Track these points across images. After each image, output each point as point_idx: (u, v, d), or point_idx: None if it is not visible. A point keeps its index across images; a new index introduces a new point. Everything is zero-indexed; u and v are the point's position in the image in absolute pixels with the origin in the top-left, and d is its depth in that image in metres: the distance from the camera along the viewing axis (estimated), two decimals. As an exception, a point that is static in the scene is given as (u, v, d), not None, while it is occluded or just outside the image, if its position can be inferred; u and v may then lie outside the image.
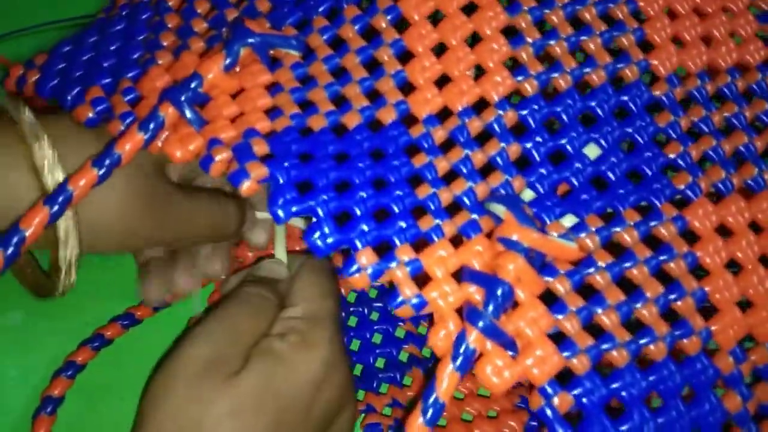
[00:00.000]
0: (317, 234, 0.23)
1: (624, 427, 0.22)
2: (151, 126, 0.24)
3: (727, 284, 0.23)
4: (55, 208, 0.23)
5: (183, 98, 0.25)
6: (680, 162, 0.25)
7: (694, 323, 0.23)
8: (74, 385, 0.31)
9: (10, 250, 0.23)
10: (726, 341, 0.23)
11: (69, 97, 0.26)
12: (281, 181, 0.23)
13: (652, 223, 0.24)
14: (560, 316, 0.22)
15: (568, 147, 0.25)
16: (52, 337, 0.32)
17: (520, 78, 0.25)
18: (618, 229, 0.24)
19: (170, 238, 0.28)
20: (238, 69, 0.26)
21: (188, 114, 0.25)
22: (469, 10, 0.26)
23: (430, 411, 0.21)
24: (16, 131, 0.25)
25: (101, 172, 0.24)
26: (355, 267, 0.23)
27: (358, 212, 0.23)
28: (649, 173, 0.25)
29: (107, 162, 0.24)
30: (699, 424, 0.22)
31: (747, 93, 0.26)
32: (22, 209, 0.24)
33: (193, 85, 0.25)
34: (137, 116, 0.25)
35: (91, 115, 0.26)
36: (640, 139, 0.25)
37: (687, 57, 0.26)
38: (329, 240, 0.23)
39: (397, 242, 0.23)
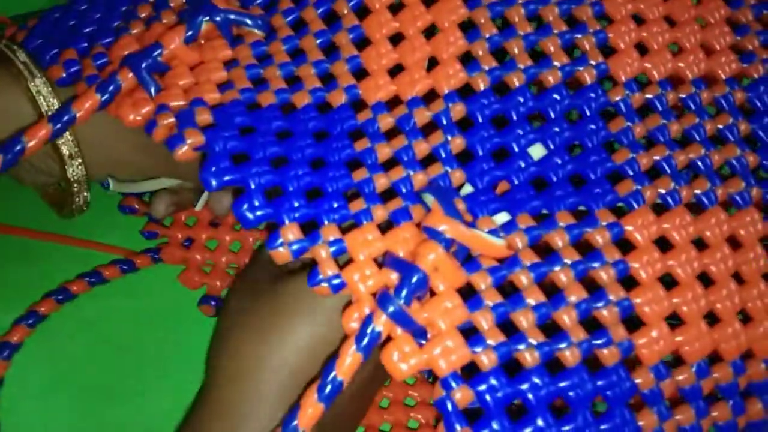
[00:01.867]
0: (246, 206, 0.23)
1: (527, 430, 0.21)
2: (110, 89, 0.25)
3: (656, 298, 0.22)
4: (58, 126, 0.25)
5: (143, 65, 0.26)
6: (627, 169, 0.24)
7: (615, 333, 0.22)
8: (74, 385, 0.31)
9: (9, 156, 0.24)
10: (648, 356, 0.22)
11: (47, 57, 0.28)
12: (217, 149, 0.24)
13: (585, 228, 0.23)
14: (475, 311, 0.22)
15: (513, 145, 0.24)
16: (52, 337, 0.33)
17: (473, 72, 0.25)
18: (548, 231, 0.23)
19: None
20: (202, 42, 0.27)
21: (145, 79, 0.25)
22: (430, 1, 0.26)
23: (328, 387, 0.21)
24: (11, 70, 0.27)
25: (56, 128, 0.25)
26: (279, 241, 0.23)
27: (290, 188, 0.24)
28: (592, 177, 0.24)
29: (64, 119, 0.25)
30: (608, 438, 0.21)
31: (710, 105, 0.25)
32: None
33: (154, 54, 0.26)
34: (102, 80, 0.26)
35: (63, 75, 0.27)
36: (588, 142, 0.24)
37: (650, 64, 0.25)
38: (258, 213, 0.23)
39: (325, 221, 0.23)
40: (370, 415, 0.33)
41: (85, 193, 0.28)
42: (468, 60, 0.25)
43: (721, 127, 0.25)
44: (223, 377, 0.25)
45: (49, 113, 0.26)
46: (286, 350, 0.24)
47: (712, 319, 0.23)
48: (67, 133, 0.27)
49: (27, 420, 0.30)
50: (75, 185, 0.28)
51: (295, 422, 0.21)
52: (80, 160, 0.27)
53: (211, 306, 0.34)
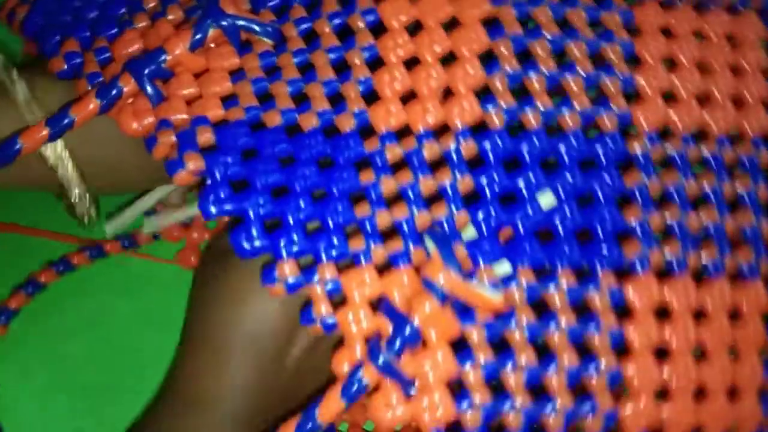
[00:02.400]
0: (244, 236, 0.23)
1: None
2: (110, 95, 0.24)
3: (647, 368, 0.22)
4: (56, 129, 0.24)
5: (146, 72, 0.25)
6: (637, 229, 0.23)
7: (601, 402, 0.22)
8: (74, 385, 0.31)
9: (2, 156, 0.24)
10: (632, 428, 0.22)
11: (47, 46, 0.26)
12: (217, 177, 0.23)
13: (586, 290, 0.23)
14: (465, 366, 0.22)
15: (523, 190, 0.24)
16: (52, 337, 0.33)
17: (488, 108, 0.24)
18: (548, 288, 0.23)
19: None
20: (212, 45, 0.25)
21: (148, 89, 0.24)
22: (451, 26, 0.24)
23: (308, 425, 0.21)
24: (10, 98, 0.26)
25: (54, 131, 0.24)
26: (274, 276, 0.23)
27: (291, 221, 0.23)
28: (600, 235, 0.23)
29: (62, 123, 0.25)
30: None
31: (733, 165, 0.24)
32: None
33: (157, 60, 0.25)
34: (104, 79, 0.25)
35: (64, 67, 0.26)
36: (600, 195, 0.24)
37: (676, 115, 0.24)
38: (256, 244, 0.23)
39: (323, 258, 0.23)
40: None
41: (92, 212, 0.28)
42: (484, 93, 0.24)
43: (740, 190, 0.24)
44: (193, 342, 0.26)
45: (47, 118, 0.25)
46: (249, 319, 0.25)
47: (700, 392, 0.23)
48: (65, 154, 0.26)
49: (27, 420, 0.31)
50: (79, 209, 0.27)
51: None
52: (83, 189, 0.27)
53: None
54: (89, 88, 0.25)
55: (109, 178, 0.27)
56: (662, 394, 0.22)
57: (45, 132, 0.25)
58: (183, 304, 0.33)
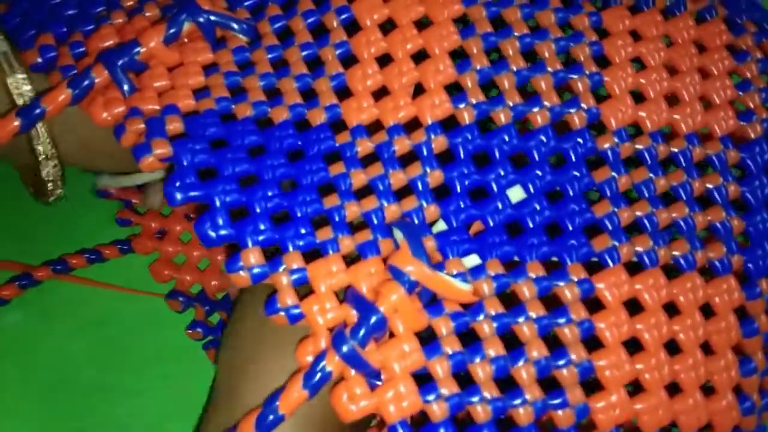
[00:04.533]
0: (208, 224, 0.22)
1: (471, 487, 0.21)
2: (82, 85, 0.24)
3: (619, 362, 0.22)
4: (26, 121, 0.24)
5: (119, 63, 0.25)
6: (606, 223, 0.23)
7: (572, 396, 0.21)
8: (74, 385, 0.31)
9: None
10: (604, 422, 0.21)
11: (22, 40, 0.27)
12: (184, 163, 0.23)
13: (555, 282, 0.22)
14: (432, 358, 0.21)
15: (493, 185, 0.24)
16: (52, 337, 0.33)
17: (459, 105, 0.24)
18: (517, 280, 0.22)
19: None
20: (185, 40, 0.26)
21: (119, 79, 0.24)
22: (423, 25, 0.25)
23: (269, 418, 0.21)
24: None
25: (24, 122, 0.24)
26: (239, 264, 0.22)
27: (257, 210, 0.23)
28: (570, 228, 0.23)
29: (34, 113, 0.24)
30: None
31: (702, 164, 0.24)
32: None
33: (131, 52, 0.25)
34: (78, 72, 0.25)
35: (38, 60, 0.26)
36: (570, 190, 0.24)
37: (644, 113, 0.24)
38: (221, 232, 0.22)
39: (290, 248, 0.22)
40: None
41: (59, 191, 0.27)
42: (455, 90, 0.24)
43: (709, 186, 0.24)
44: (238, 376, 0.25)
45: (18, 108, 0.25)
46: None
47: (673, 388, 0.22)
48: (44, 130, 0.26)
49: (27, 420, 0.30)
50: (50, 184, 0.27)
51: None
52: (56, 162, 0.26)
53: (179, 302, 0.33)
54: (62, 80, 0.25)
55: (80, 158, 0.27)
56: (635, 388, 0.22)
57: (16, 123, 0.24)
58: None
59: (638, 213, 0.23)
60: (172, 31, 0.25)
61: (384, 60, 0.25)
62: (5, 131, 0.24)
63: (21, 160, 0.27)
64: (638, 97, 0.24)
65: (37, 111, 0.24)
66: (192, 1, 0.25)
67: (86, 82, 0.24)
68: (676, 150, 0.24)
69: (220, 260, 0.35)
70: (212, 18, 0.25)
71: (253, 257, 0.22)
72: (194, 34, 0.26)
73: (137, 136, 0.24)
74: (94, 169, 0.30)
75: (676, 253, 0.23)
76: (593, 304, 0.22)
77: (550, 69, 0.24)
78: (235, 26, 0.25)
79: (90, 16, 0.27)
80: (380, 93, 0.25)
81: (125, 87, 0.24)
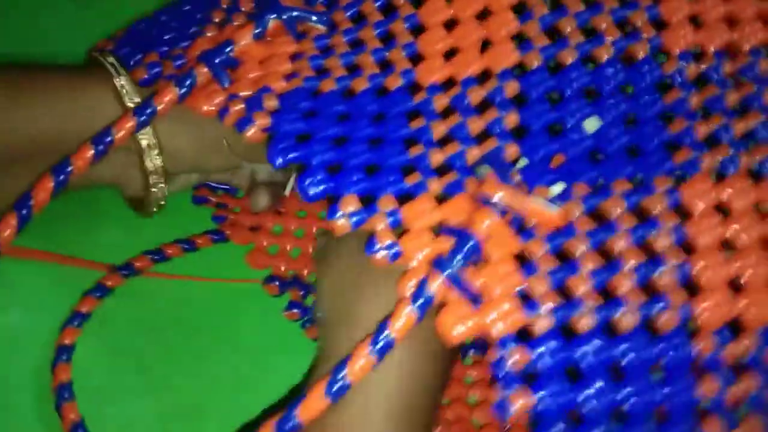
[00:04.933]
0: (308, 180, 0.24)
1: (585, 393, 0.21)
2: (186, 83, 0.28)
3: (717, 263, 0.22)
4: (142, 118, 0.27)
5: (216, 61, 0.28)
6: (684, 138, 0.24)
7: (674, 299, 0.22)
8: (75, 385, 0.31)
9: (100, 147, 0.27)
10: (709, 323, 0.21)
11: (132, 61, 0.30)
12: (282, 130, 0.25)
13: (642, 195, 0.23)
14: (530, 276, 0.22)
15: (568, 119, 0.25)
16: (53, 337, 0.32)
17: (526, 51, 0.26)
18: (605, 199, 0.23)
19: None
20: (269, 39, 0.29)
21: (218, 74, 0.28)
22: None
23: (381, 343, 0.22)
24: (101, 71, 0.29)
25: (140, 120, 0.28)
26: (339, 213, 0.24)
27: (350, 164, 0.25)
28: (649, 148, 0.24)
29: (147, 111, 0.28)
30: (668, 404, 0.21)
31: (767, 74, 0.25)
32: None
33: (226, 50, 0.28)
34: (179, 74, 0.29)
35: (145, 75, 0.30)
36: (643, 114, 0.25)
37: (704, 36, 0.25)
38: (320, 187, 0.24)
39: (383, 194, 0.24)
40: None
41: (162, 185, 0.30)
42: (521, 41, 0.26)
43: (781, 94, 0.24)
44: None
45: (132, 107, 0.28)
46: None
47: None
48: (148, 126, 0.29)
49: (28, 420, 0.31)
50: (153, 176, 0.30)
51: (345, 371, 0.22)
52: (158, 151, 0.29)
53: (276, 286, 0.35)
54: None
55: (185, 160, 0.30)
56: (737, 289, 0.22)
57: (132, 122, 0.28)
58: (184, 307, 0.34)
59: (714, 125, 0.24)
60: (259, 29, 0.28)
61: (449, 26, 0.27)
62: (125, 129, 0.27)
63: (126, 161, 0.30)
64: (697, 22, 0.25)
65: (150, 109, 0.28)
66: (275, 1, 0.28)
67: (189, 80, 0.28)
68: (741, 65, 0.25)
69: (311, 250, 0.37)
70: (294, 14, 0.28)
71: (350, 205, 0.24)
72: (279, 31, 0.29)
73: (239, 114, 0.26)
74: (201, 170, 0.33)
75: (757, 157, 0.23)
76: (681, 210, 0.23)
77: (607, 8, 0.26)
78: (314, 18, 0.28)
79: (186, 34, 0.31)
80: (449, 56, 0.27)
81: (224, 80, 0.27)
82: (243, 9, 0.31)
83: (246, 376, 0.33)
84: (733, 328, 0.22)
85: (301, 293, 0.35)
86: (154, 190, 0.31)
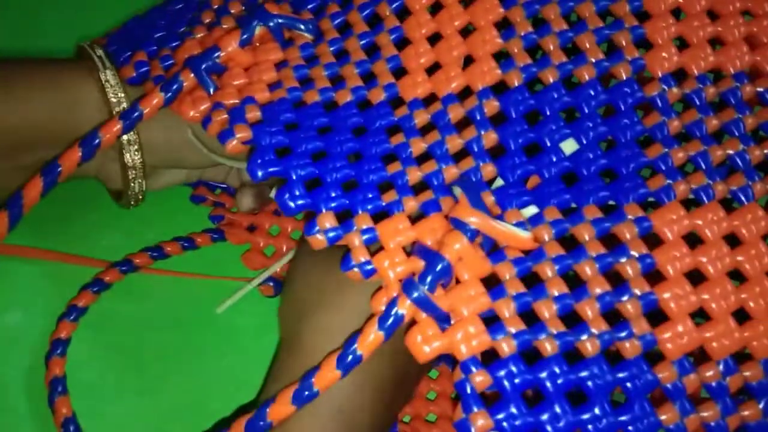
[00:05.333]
0: (287, 195, 0.25)
1: (542, 417, 0.22)
2: (173, 88, 0.28)
3: (683, 293, 0.22)
4: (128, 122, 0.28)
5: (203, 67, 0.28)
6: (660, 164, 0.24)
7: (637, 327, 0.22)
8: (75, 384, 0.31)
9: (86, 149, 0.28)
10: (672, 351, 0.22)
11: (120, 59, 0.31)
12: (263, 143, 0.26)
13: (613, 222, 0.23)
14: (497, 300, 0.23)
15: (546, 140, 0.25)
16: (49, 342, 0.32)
17: (507, 69, 0.26)
18: (575, 224, 0.23)
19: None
20: (257, 45, 0.29)
21: (204, 80, 0.28)
22: (468, 2, 0.27)
23: (348, 358, 0.22)
24: (88, 64, 0.30)
25: (126, 124, 0.28)
26: (316, 228, 0.24)
27: (328, 180, 0.25)
28: (624, 172, 0.24)
29: (133, 116, 0.28)
30: (625, 429, 0.21)
31: (752, 100, 0.25)
32: (86, 120, 0.28)
33: (212, 57, 0.28)
34: (166, 79, 0.29)
35: (133, 74, 0.30)
36: (621, 137, 0.25)
37: (689, 58, 0.25)
38: (298, 202, 0.25)
39: (359, 211, 0.25)
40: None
41: (140, 180, 0.31)
42: (503, 58, 0.26)
43: (762, 122, 0.24)
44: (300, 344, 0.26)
45: (115, 102, 0.29)
46: (346, 321, 0.25)
47: (740, 316, 0.22)
48: (134, 149, 0.30)
49: (28, 420, 0.31)
50: (131, 171, 0.31)
51: (312, 380, 0.23)
52: (137, 147, 0.30)
53: (271, 287, 0.35)
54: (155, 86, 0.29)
55: (166, 159, 0.31)
56: (702, 318, 0.22)
57: (119, 125, 0.28)
58: (183, 306, 0.34)
59: (691, 152, 0.24)
60: (245, 35, 0.28)
61: (434, 40, 0.27)
62: (112, 132, 0.28)
63: (110, 171, 0.31)
64: (682, 43, 0.25)
65: (136, 113, 0.28)
66: (262, 7, 0.28)
67: (176, 86, 0.28)
68: (725, 89, 0.25)
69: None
70: (280, 21, 0.28)
71: (327, 221, 0.24)
72: (265, 37, 0.29)
73: (221, 125, 0.27)
74: (179, 166, 0.33)
75: (733, 187, 0.23)
76: (651, 238, 0.23)
77: (591, 27, 0.25)
78: (301, 26, 0.28)
79: (175, 34, 0.31)
80: (432, 70, 0.27)
81: (210, 87, 0.28)
82: (232, 11, 0.31)
83: (242, 375, 0.33)
84: (696, 357, 0.22)
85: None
86: (132, 184, 0.31)
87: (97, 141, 0.28)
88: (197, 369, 0.33)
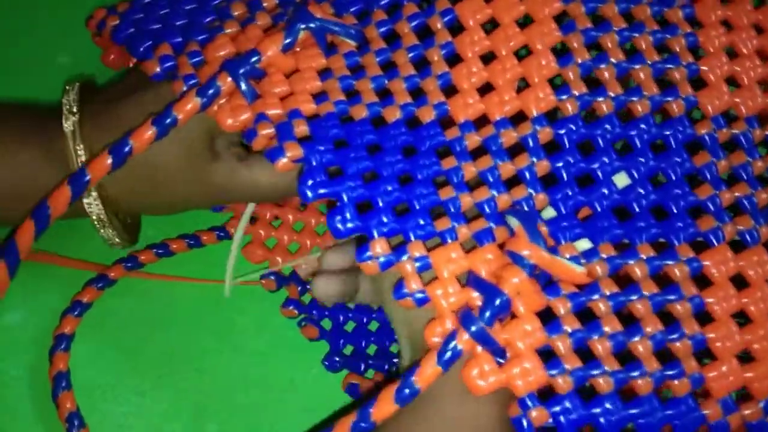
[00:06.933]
0: (338, 218, 0.24)
1: (597, 452, 0.22)
2: (209, 93, 0.26)
3: (729, 334, 0.23)
4: (161, 128, 0.26)
5: (241, 71, 0.26)
6: (709, 205, 0.25)
7: (687, 366, 0.23)
8: (75, 385, 0.31)
9: (76, 188, 0.26)
10: (718, 390, 0.23)
11: (141, 49, 0.29)
12: (314, 163, 0.25)
13: (665, 261, 0.24)
14: (553, 335, 0.23)
15: (598, 172, 0.25)
16: (53, 337, 0.32)
17: (562, 96, 0.25)
18: (629, 261, 0.24)
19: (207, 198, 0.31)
20: (297, 50, 0.27)
21: (243, 87, 0.26)
22: (525, 23, 0.26)
23: (406, 390, 0.22)
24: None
25: (159, 130, 0.26)
26: (368, 254, 0.24)
27: (380, 203, 0.25)
28: (675, 211, 0.25)
29: (166, 122, 0.26)
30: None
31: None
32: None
33: (251, 61, 0.27)
34: (199, 80, 0.27)
35: (158, 70, 0.28)
36: (672, 175, 0.25)
37: (740, 99, 0.25)
38: (349, 225, 0.24)
39: (412, 237, 0.24)
40: None
41: (108, 229, 0.30)
42: (558, 84, 0.26)
43: (806, 167, 0.25)
44: None
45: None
46: None
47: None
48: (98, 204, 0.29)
49: (28, 420, 0.31)
50: (96, 222, 0.29)
51: (371, 410, 0.23)
52: (95, 194, 0.28)
53: (273, 281, 0.35)
54: (185, 88, 0.27)
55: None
56: (746, 358, 0.23)
57: (152, 131, 0.26)
58: (184, 306, 0.34)
59: (738, 194, 0.25)
60: (289, 40, 0.27)
61: (487, 58, 0.26)
62: (142, 139, 0.26)
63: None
64: (733, 83, 0.26)
65: (170, 119, 0.26)
66: (305, 9, 0.27)
67: (212, 91, 0.26)
68: (772, 133, 0.25)
69: (310, 245, 0.37)
70: (325, 25, 0.27)
71: (380, 247, 0.24)
72: (307, 41, 0.27)
73: (268, 140, 0.25)
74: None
75: (777, 230, 0.24)
76: (700, 279, 0.24)
77: (648, 60, 0.26)
78: (346, 31, 0.27)
79: (202, 26, 0.29)
80: (485, 89, 0.26)
81: (249, 94, 0.26)
82: (265, 6, 0.29)
83: (244, 375, 0.33)
84: (741, 396, 0.24)
85: (299, 289, 0.35)
86: (101, 232, 0.30)
87: (86, 178, 0.27)
88: (197, 369, 0.33)
